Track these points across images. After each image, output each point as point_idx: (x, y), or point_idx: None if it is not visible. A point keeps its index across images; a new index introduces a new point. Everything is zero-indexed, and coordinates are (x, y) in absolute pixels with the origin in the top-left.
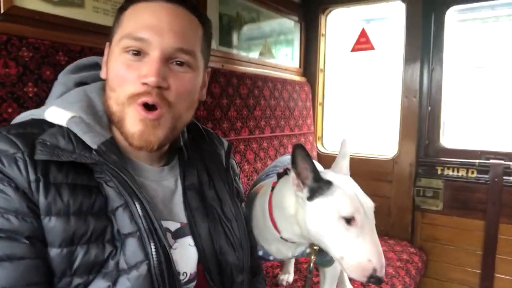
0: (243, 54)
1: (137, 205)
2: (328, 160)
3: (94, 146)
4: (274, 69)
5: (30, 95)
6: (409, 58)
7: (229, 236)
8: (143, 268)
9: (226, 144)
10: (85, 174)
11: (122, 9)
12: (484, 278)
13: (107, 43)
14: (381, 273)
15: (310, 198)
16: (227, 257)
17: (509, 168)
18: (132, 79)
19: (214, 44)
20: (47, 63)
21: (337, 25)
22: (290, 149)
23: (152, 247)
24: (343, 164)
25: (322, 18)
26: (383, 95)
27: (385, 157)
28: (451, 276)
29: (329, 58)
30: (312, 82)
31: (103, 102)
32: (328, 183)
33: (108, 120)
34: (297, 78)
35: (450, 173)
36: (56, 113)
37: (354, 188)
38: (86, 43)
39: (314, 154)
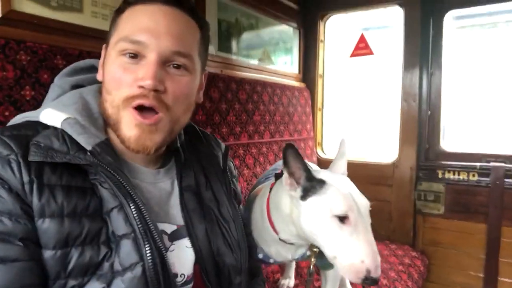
0: (242, 59)
1: (132, 206)
2: (328, 166)
3: (88, 147)
4: (273, 74)
5: (28, 98)
6: (408, 63)
7: (226, 237)
8: (138, 270)
9: (223, 146)
10: (79, 175)
11: (119, 12)
12: (487, 282)
13: (104, 45)
14: (375, 274)
15: (303, 197)
16: (224, 258)
17: (510, 170)
18: (129, 82)
19: (213, 50)
20: (44, 66)
21: (336, 31)
22: None
23: (147, 248)
24: (341, 164)
25: (321, 24)
26: (383, 100)
27: (385, 162)
28: (453, 280)
29: (329, 63)
30: (312, 88)
31: (99, 104)
32: (321, 182)
33: (103, 122)
34: (296, 83)
35: (451, 176)
36: (51, 114)
37: (348, 186)
38: (84, 48)
39: (314, 159)
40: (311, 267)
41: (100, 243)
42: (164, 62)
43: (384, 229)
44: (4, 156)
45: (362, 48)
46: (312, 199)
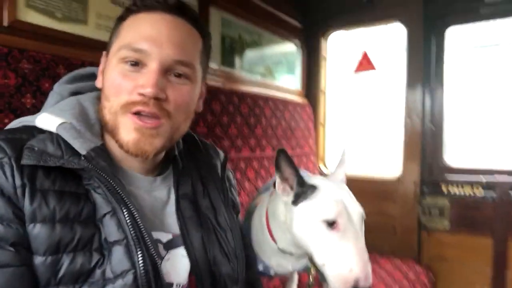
0: (245, 74)
1: (125, 212)
2: None
3: (83, 152)
4: (276, 90)
5: (28, 106)
6: (411, 79)
7: (223, 246)
8: (129, 278)
9: (222, 155)
10: (73, 181)
11: (121, 19)
12: None
13: (104, 53)
14: (365, 283)
15: (295, 202)
16: (220, 267)
17: None
18: (128, 88)
19: (216, 64)
20: (46, 75)
21: (339, 47)
22: None
23: (139, 255)
24: (339, 172)
25: (323, 41)
26: (386, 115)
27: (389, 177)
28: None
29: (332, 79)
30: (314, 104)
31: (97, 111)
32: (313, 187)
33: (100, 129)
34: (298, 99)
35: (456, 191)
36: (47, 119)
37: (341, 193)
38: (87, 58)
39: (316, 174)
40: (311, 278)
41: (93, 250)
42: (166, 71)
43: (389, 244)
44: None
45: (364, 64)
46: (302, 204)
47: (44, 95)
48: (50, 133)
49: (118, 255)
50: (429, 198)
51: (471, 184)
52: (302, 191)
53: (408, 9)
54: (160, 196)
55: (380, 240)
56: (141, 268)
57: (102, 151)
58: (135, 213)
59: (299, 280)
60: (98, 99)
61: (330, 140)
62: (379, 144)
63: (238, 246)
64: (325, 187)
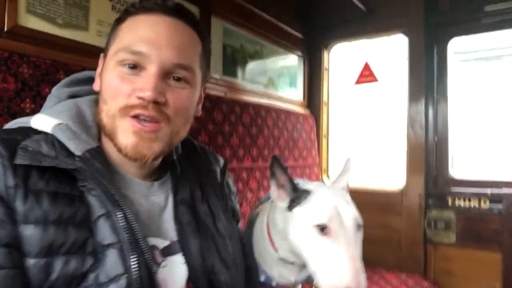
0: (247, 84)
1: (119, 215)
2: None
3: (78, 153)
4: (278, 100)
5: (27, 111)
6: (413, 90)
7: (221, 253)
8: (122, 282)
9: (222, 161)
10: (68, 182)
11: (119, 21)
12: None
13: (102, 55)
14: None
15: (290, 208)
16: (219, 276)
17: None
18: (127, 92)
19: (217, 74)
20: (46, 80)
21: (341, 58)
22: None
23: (133, 259)
24: (342, 179)
25: (325, 52)
26: (389, 127)
27: (393, 189)
28: None
29: (334, 90)
30: (316, 115)
31: (95, 114)
32: (306, 192)
33: (97, 131)
34: (300, 110)
35: (462, 203)
36: (42, 120)
37: (335, 198)
38: (87, 64)
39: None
40: None
41: (86, 253)
42: (165, 74)
43: (394, 258)
44: None
45: (366, 75)
46: (296, 209)
47: (44, 100)
48: (46, 134)
49: (111, 259)
50: (435, 211)
51: (478, 196)
52: (297, 196)
53: (409, 20)
54: (157, 201)
55: (385, 254)
56: (135, 273)
57: (97, 153)
58: (129, 216)
59: None
60: (96, 102)
61: (333, 152)
62: (382, 155)
63: (237, 254)
64: (319, 192)
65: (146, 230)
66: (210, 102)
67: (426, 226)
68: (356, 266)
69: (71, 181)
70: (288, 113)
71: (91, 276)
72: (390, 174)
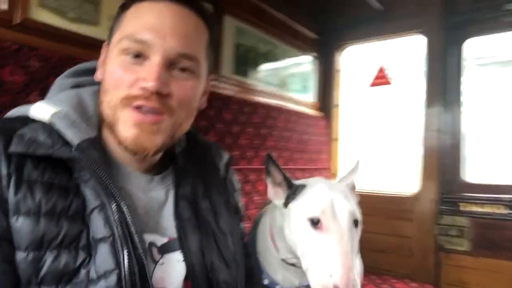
0: (258, 84)
1: (113, 207)
2: None
3: (75, 142)
4: (289, 101)
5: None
6: (431, 92)
7: (222, 251)
8: (112, 279)
9: (226, 156)
10: (64, 174)
11: (123, 8)
12: None
13: (105, 43)
14: None
15: (285, 204)
16: (218, 274)
17: None
18: (129, 82)
19: (228, 73)
20: (54, 74)
21: (355, 60)
22: None
23: (125, 254)
24: (349, 177)
25: (338, 54)
26: (402, 131)
27: (405, 194)
28: None
29: (348, 93)
30: (328, 118)
31: (96, 105)
32: (301, 186)
33: (98, 123)
34: (312, 112)
35: (476, 209)
36: (42, 108)
37: (331, 192)
38: (96, 59)
39: None
40: None
41: (79, 248)
42: (169, 64)
43: (404, 266)
44: None
45: (380, 78)
46: (291, 205)
47: None
48: (44, 123)
49: (102, 253)
50: (447, 217)
51: (493, 202)
52: (292, 191)
53: (427, 19)
54: (156, 197)
55: (396, 262)
56: (126, 269)
57: (95, 143)
58: (124, 208)
59: None
60: (99, 93)
61: (344, 155)
62: (394, 160)
63: (238, 252)
64: (316, 186)
65: (142, 225)
66: (220, 102)
67: (438, 233)
68: (348, 263)
69: (67, 172)
70: (299, 114)
71: (83, 272)
72: (402, 179)
